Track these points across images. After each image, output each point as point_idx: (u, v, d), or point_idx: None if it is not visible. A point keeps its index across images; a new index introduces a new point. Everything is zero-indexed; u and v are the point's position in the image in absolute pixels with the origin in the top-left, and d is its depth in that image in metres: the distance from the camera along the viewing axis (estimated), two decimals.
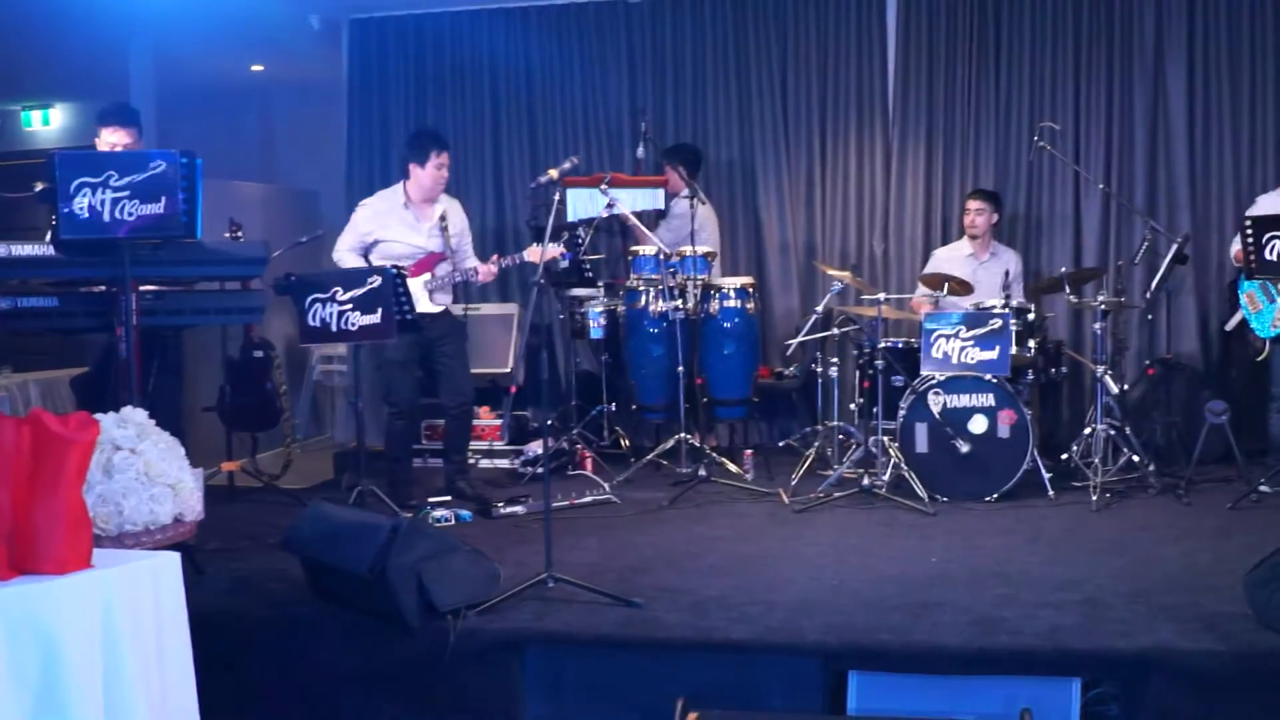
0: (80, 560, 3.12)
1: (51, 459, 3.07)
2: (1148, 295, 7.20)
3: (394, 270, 5.79)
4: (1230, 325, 6.87)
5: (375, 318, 5.70)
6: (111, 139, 6.08)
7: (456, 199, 7.03)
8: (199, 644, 3.50)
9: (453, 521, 6.17)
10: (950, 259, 7.59)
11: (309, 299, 5.79)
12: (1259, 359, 6.57)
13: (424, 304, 6.47)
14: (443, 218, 6.66)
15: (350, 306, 5.73)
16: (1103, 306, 6.68)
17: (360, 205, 6.81)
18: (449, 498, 6.61)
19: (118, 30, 8.98)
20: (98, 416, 3.64)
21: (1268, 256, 5.90)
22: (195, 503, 4.28)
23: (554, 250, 6.59)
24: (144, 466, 4.06)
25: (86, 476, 3.40)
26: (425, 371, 6.77)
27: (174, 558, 3.44)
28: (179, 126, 10.02)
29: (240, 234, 6.79)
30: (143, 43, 9.36)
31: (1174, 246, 6.83)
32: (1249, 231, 5.97)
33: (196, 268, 6.22)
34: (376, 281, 5.70)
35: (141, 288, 5.71)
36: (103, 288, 5.67)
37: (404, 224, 6.62)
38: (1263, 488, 6.32)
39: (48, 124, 10.60)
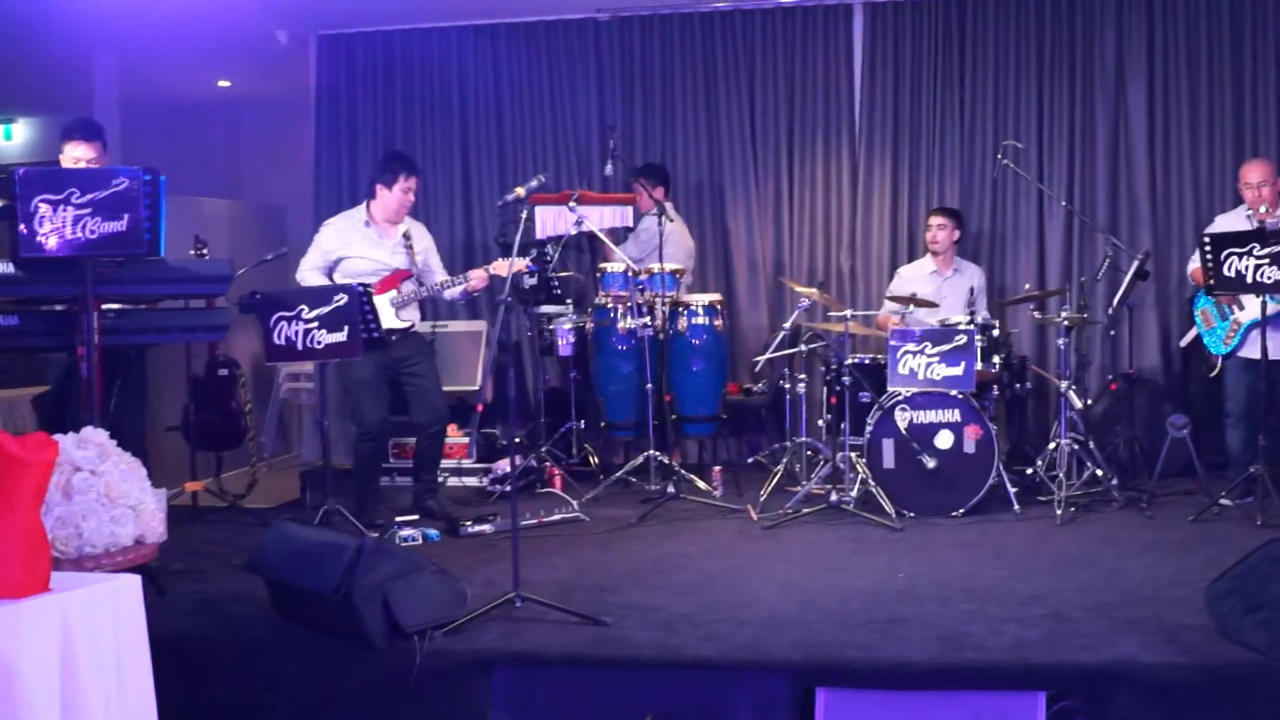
0: (38, 584, 3.10)
1: (8, 480, 3.04)
2: (1110, 311, 7.25)
3: (360, 288, 5.76)
4: (1185, 341, 6.94)
5: (341, 336, 5.67)
6: (75, 154, 6.02)
7: (421, 222, 7.02)
8: (161, 667, 3.47)
9: (420, 541, 6.15)
10: (915, 276, 7.62)
11: (274, 317, 5.74)
12: (1212, 374, 6.62)
13: (390, 320, 6.45)
14: (406, 235, 6.65)
15: (316, 324, 5.69)
16: (1066, 322, 6.72)
17: (324, 225, 6.78)
18: (416, 517, 6.57)
19: (82, 45, 8.95)
20: (57, 437, 3.61)
21: (1226, 273, 5.97)
22: (157, 524, 4.24)
23: (520, 263, 6.59)
24: (104, 488, 4.02)
25: (45, 498, 3.38)
26: (393, 392, 6.74)
27: (135, 580, 3.42)
28: (144, 142, 9.98)
29: (205, 251, 6.76)
30: (107, 57, 9.32)
31: (1135, 263, 6.88)
32: (1208, 249, 6.03)
33: (160, 285, 6.18)
34: (343, 299, 5.67)
35: (104, 306, 5.68)
36: (64, 306, 5.62)
37: (367, 241, 6.60)
38: (1224, 501, 6.37)
39: (10, 139, 10.56)
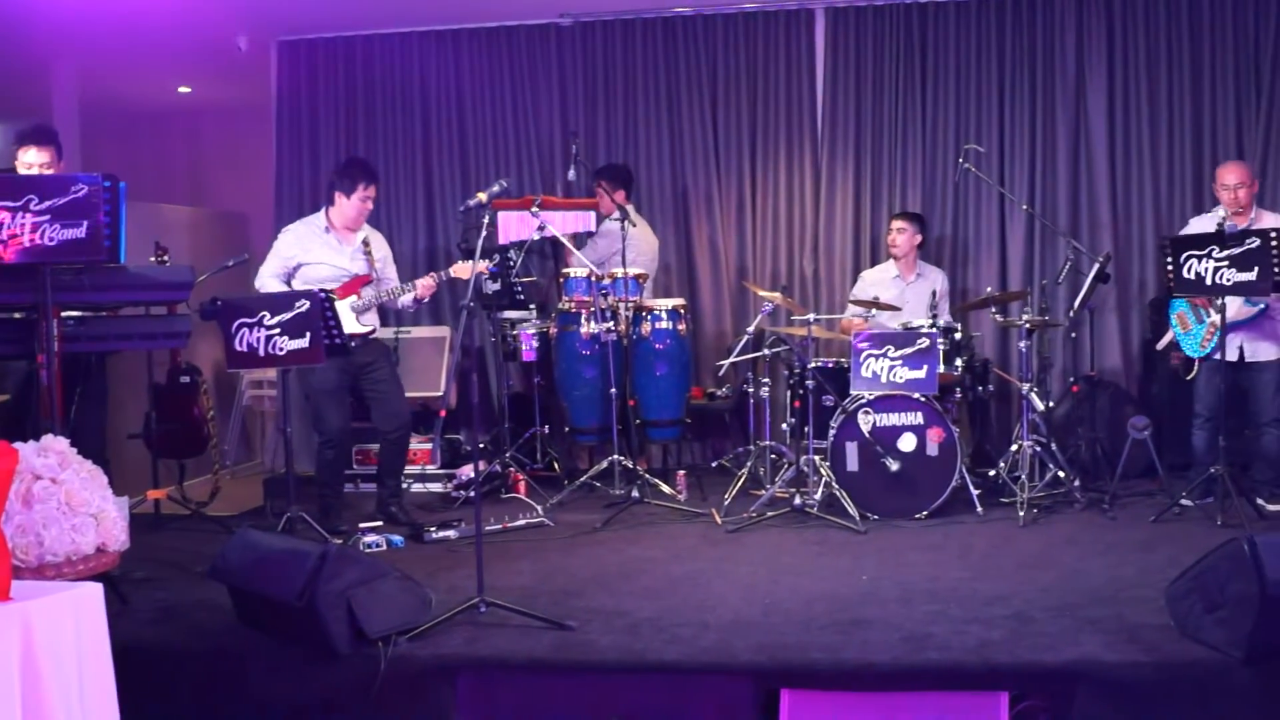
0: None
1: None
2: (1071, 314, 7.30)
3: (322, 294, 5.74)
4: (1161, 344, 6.98)
5: (304, 342, 5.65)
6: (28, 159, 5.97)
7: (379, 230, 6.99)
8: (123, 675, 3.46)
9: (384, 547, 6.12)
10: (878, 280, 7.66)
11: (236, 324, 5.70)
12: (1188, 377, 6.66)
13: (351, 325, 6.43)
14: (365, 242, 6.63)
15: (278, 331, 5.66)
16: (1028, 325, 6.77)
17: (283, 231, 6.74)
18: (380, 523, 6.55)
19: (39, 51, 8.86)
20: (17, 445, 3.58)
21: (1186, 275, 6.02)
22: (119, 532, 4.22)
23: (481, 265, 6.57)
24: (65, 496, 4.00)
25: (5, 506, 3.35)
26: (355, 398, 6.71)
27: (96, 588, 3.40)
28: (104, 149, 9.94)
29: (166, 258, 6.74)
30: (66, 63, 9.24)
31: (1096, 266, 6.93)
32: (1168, 251, 6.09)
33: (120, 292, 6.15)
34: (304, 306, 5.65)
35: (64, 313, 5.63)
36: (23, 314, 5.58)
37: (327, 247, 6.56)
38: (1185, 501, 6.43)
39: None
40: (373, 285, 6.61)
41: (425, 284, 6.66)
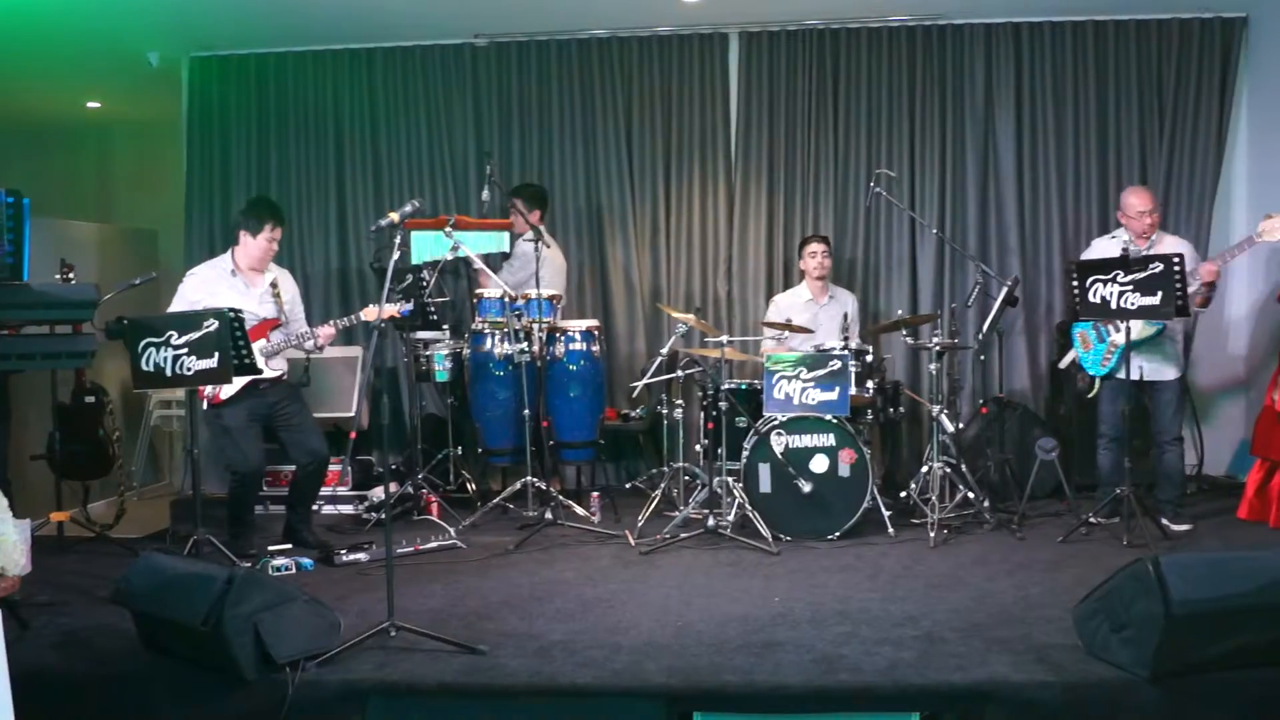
0: None
1: None
2: (980, 336, 7.41)
3: (231, 312, 5.66)
4: (1064, 363, 7.09)
5: (212, 362, 5.55)
6: None
7: (292, 258, 6.91)
8: (23, 703, 3.38)
9: (293, 570, 6.05)
10: (791, 305, 7.70)
11: (142, 343, 5.60)
12: (1090, 396, 6.78)
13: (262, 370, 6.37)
14: (274, 284, 6.56)
15: (186, 350, 5.56)
16: (938, 347, 6.85)
17: (188, 275, 6.62)
18: (289, 545, 6.47)
19: None
20: None
21: (1091, 299, 6.13)
22: (19, 556, 4.14)
23: (391, 309, 6.52)
24: None
25: None
26: (267, 435, 6.62)
27: None
28: (10, 164, 9.76)
29: (72, 275, 6.62)
30: None
31: (1005, 289, 7.03)
32: (1074, 276, 6.19)
33: (23, 310, 6.05)
34: (213, 325, 5.55)
35: None
36: None
37: (233, 290, 6.47)
38: (1092, 521, 6.53)
39: None
40: (281, 329, 6.54)
41: (326, 333, 6.58)
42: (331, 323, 6.65)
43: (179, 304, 6.45)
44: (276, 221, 6.54)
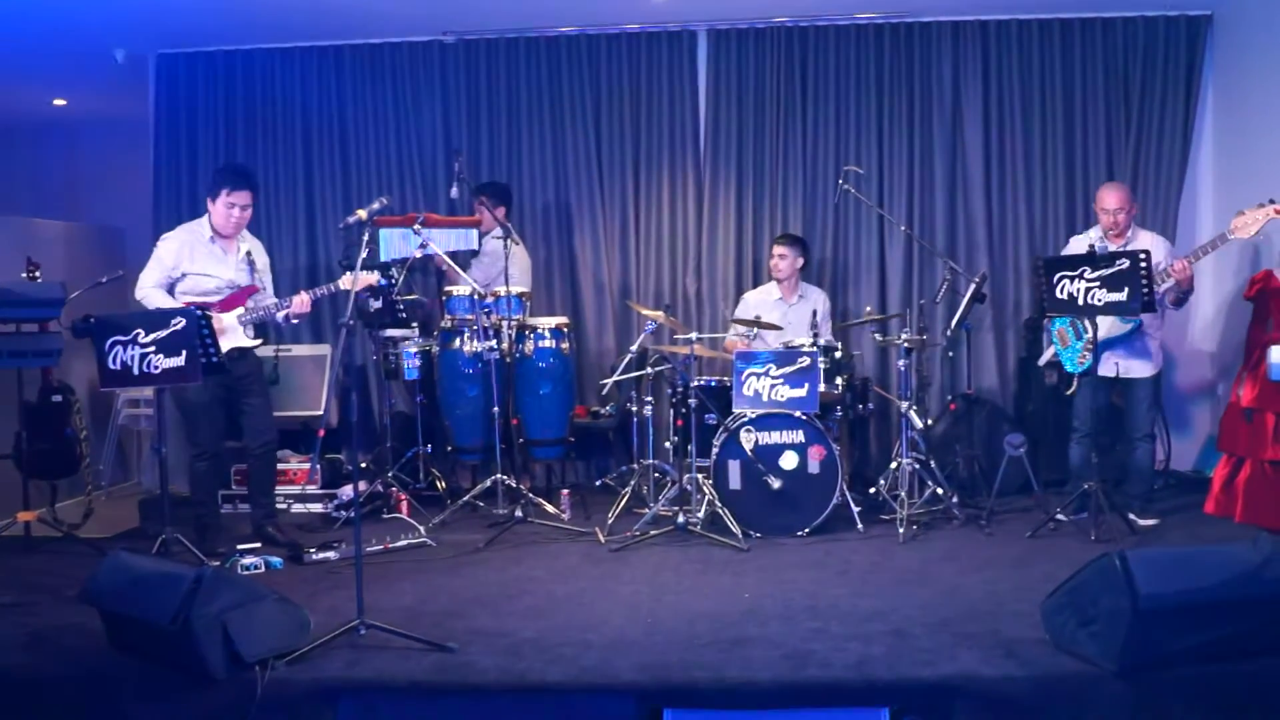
0: None
1: None
2: (948, 333, 7.45)
3: (198, 312, 5.63)
4: (1043, 360, 7.11)
5: (179, 360, 5.52)
6: None
7: (259, 239, 6.87)
8: None
9: (262, 569, 6.03)
10: (760, 302, 7.72)
11: (109, 341, 5.55)
12: (1069, 392, 6.80)
13: (239, 338, 6.34)
14: (249, 253, 6.53)
15: (153, 349, 5.53)
16: (906, 344, 6.88)
17: (163, 239, 6.54)
18: (258, 544, 6.45)
19: None
20: None
21: (1059, 296, 6.16)
22: None
23: (369, 277, 6.50)
24: None
25: None
26: (228, 413, 6.59)
27: None
28: None
29: (38, 274, 6.57)
30: None
31: (972, 286, 7.06)
32: (1041, 272, 6.23)
33: None
34: (180, 323, 5.52)
35: None
36: None
37: (211, 257, 6.44)
38: (1060, 517, 6.56)
39: None
40: (257, 295, 6.51)
41: (300, 301, 6.50)
42: (304, 291, 6.58)
43: (155, 269, 6.39)
44: (235, 185, 6.41)
